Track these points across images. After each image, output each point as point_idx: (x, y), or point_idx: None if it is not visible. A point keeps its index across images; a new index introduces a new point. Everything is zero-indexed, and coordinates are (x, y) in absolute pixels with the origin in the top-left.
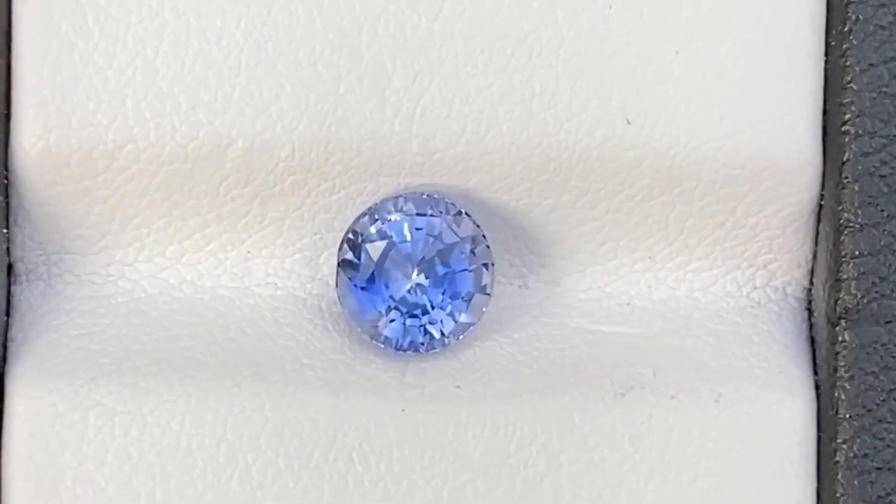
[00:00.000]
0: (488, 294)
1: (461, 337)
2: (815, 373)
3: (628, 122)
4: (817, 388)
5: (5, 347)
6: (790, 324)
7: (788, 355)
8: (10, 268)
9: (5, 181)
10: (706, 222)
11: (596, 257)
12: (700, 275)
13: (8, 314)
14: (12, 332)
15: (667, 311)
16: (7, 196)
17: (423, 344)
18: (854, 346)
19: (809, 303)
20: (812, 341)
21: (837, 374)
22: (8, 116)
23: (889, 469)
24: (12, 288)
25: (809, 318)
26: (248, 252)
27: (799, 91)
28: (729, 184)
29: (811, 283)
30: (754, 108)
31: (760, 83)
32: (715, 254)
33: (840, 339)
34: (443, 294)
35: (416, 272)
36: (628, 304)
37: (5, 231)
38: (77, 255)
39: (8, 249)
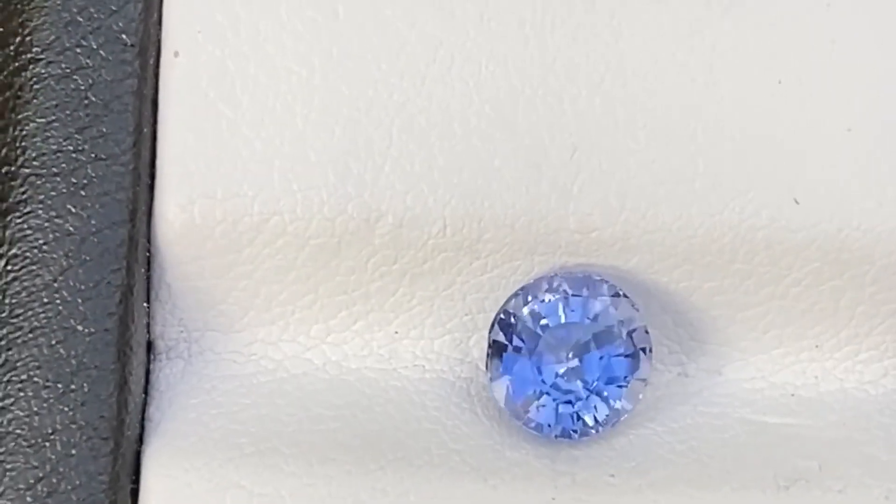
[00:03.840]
0: (645, 380)
1: (615, 424)
2: None
3: (796, 203)
4: None
5: (143, 426)
6: None
7: None
8: (149, 344)
9: (147, 254)
10: (878, 309)
11: (759, 345)
12: (870, 366)
13: (146, 392)
14: (150, 411)
15: (834, 402)
16: (149, 269)
17: (575, 431)
18: None
19: None
20: None
21: None
22: (152, 186)
23: None
24: (152, 365)
25: None
26: (396, 332)
27: None
28: None
29: None
30: None
31: None
32: (886, 344)
33: None
34: (597, 379)
35: (570, 356)
36: (793, 395)
37: (146, 305)
38: (219, 332)
39: (148, 325)
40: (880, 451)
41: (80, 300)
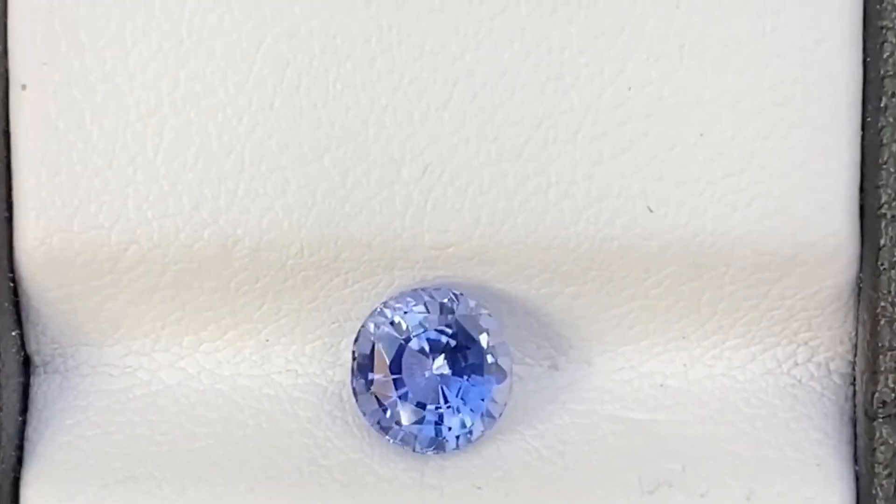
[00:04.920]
0: (508, 388)
1: (483, 433)
2: (856, 461)
3: (650, 210)
4: (857, 479)
5: (21, 448)
6: (832, 405)
7: (828, 444)
8: (27, 359)
9: (11, 284)
10: (739, 305)
11: (626, 338)
12: (738, 352)
13: (27, 409)
14: (28, 431)
15: (703, 392)
16: (16, 297)
17: (442, 446)
18: (892, 442)
19: (854, 379)
20: (855, 424)
21: (875, 472)
22: (10, 219)
23: None
24: (32, 379)
25: (854, 397)
26: (267, 340)
27: (833, 170)
28: (760, 269)
29: (855, 358)
30: (784, 191)
31: (791, 162)
32: (752, 333)
33: (877, 435)
34: (461, 389)
35: (433, 367)
36: (662, 385)
37: (14, 333)
38: (93, 346)
39: (24, 345)
40: (743, 448)
41: None
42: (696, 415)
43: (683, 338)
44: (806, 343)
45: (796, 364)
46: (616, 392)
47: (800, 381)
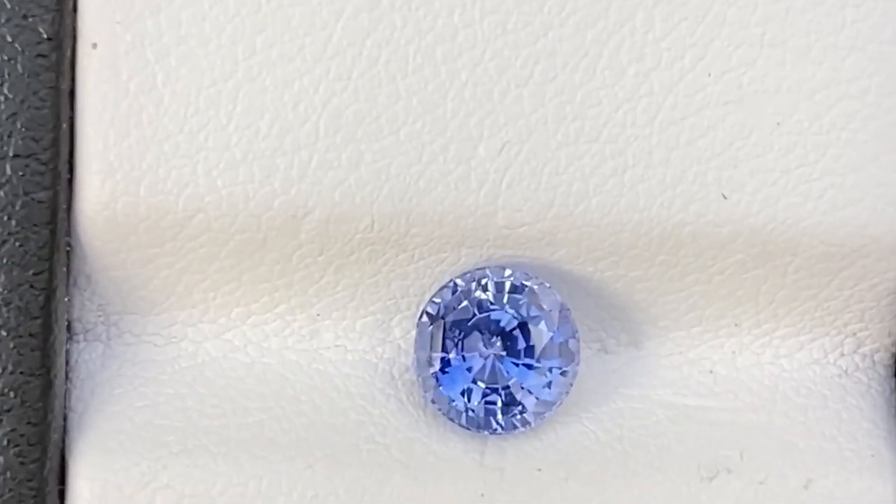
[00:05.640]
0: (573, 371)
1: (545, 416)
2: None
3: (724, 198)
4: None
5: (65, 417)
6: (879, 397)
7: (879, 436)
8: (68, 325)
9: (68, 248)
10: (797, 294)
11: (679, 323)
12: (786, 341)
13: (67, 377)
14: (72, 401)
15: (751, 380)
16: (69, 260)
17: (503, 424)
18: None
19: None
20: None
21: None
22: (70, 181)
23: None
24: (70, 346)
25: None
26: (318, 315)
27: None
28: (825, 260)
29: None
30: (857, 182)
31: (865, 154)
32: (803, 322)
33: None
34: (524, 372)
35: (497, 347)
36: (711, 372)
37: (65, 299)
38: (138, 315)
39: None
40: (798, 437)
41: (1, 303)
42: (747, 402)
43: (736, 325)
44: (854, 334)
45: (842, 354)
46: (666, 377)
47: (846, 372)
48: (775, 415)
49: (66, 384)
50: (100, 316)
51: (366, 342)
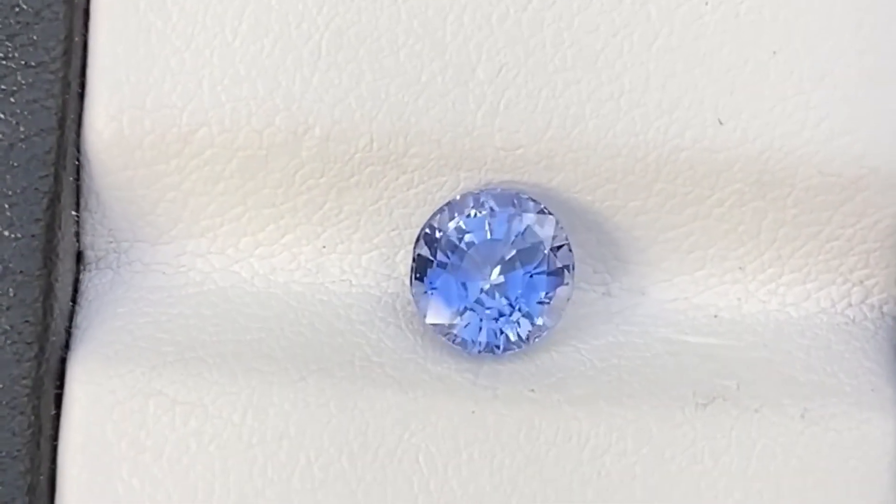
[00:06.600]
0: (568, 297)
1: (538, 340)
2: None
3: (720, 123)
4: None
5: (69, 333)
6: (885, 343)
7: (881, 374)
8: (79, 255)
9: (77, 163)
10: (799, 232)
11: (683, 266)
12: (792, 289)
13: (75, 301)
14: (78, 319)
15: (756, 324)
16: (78, 178)
17: (498, 346)
18: None
19: None
20: None
21: None
22: (82, 95)
23: None
24: (81, 275)
25: None
26: (324, 247)
27: None
28: (824, 191)
29: None
30: (853, 113)
31: (861, 85)
32: (808, 267)
33: None
34: (521, 295)
35: (494, 272)
36: (716, 317)
37: (75, 214)
38: (147, 243)
39: (77, 235)
40: (798, 371)
41: (7, 206)
42: (750, 342)
43: (740, 268)
44: (861, 283)
45: (850, 305)
46: (669, 319)
47: (853, 321)
48: (777, 353)
49: (73, 305)
50: (111, 242)
51: (371, 277)
